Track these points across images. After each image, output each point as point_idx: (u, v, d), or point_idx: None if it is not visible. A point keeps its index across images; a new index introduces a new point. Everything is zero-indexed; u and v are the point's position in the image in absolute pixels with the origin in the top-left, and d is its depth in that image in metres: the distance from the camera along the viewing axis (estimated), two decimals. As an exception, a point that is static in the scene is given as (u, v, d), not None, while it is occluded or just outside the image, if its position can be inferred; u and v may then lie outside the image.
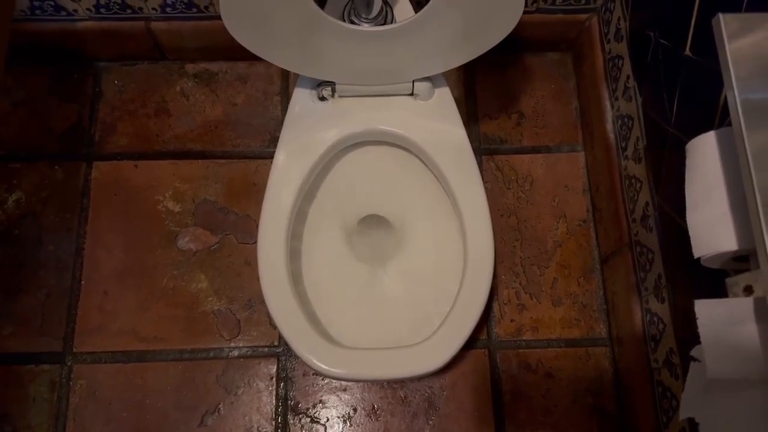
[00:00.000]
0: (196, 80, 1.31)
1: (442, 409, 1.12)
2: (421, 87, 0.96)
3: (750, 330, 0.49)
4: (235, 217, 1.22)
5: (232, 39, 1.07)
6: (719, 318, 0.50)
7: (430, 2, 0.80)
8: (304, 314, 0.86)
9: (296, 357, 1.14)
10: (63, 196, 1.22)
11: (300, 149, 0.95)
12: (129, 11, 1.17)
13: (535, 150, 1.29)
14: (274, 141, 1.27)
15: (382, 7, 0.94)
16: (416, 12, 0.88)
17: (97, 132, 1.27)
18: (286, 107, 1.28)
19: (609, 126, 1.17)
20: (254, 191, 1.24)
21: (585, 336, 1.17)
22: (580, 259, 1.22)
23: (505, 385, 1.14)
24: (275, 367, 1.14)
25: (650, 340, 1.01)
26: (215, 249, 1.20)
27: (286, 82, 1.32)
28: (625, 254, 1.10)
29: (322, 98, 0.98)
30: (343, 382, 1.14)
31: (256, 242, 1.20)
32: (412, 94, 0.97)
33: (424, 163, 1.00)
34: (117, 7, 1.16)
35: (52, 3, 1.14)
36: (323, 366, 0.83)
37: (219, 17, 1.17)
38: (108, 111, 1.28)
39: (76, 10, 1.17)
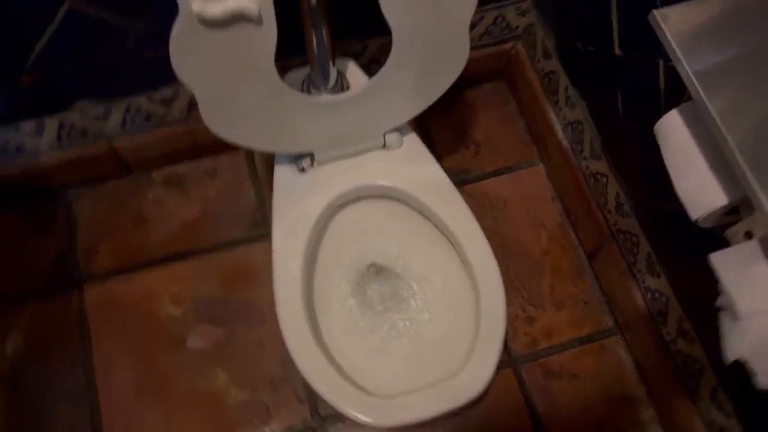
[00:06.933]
0: (166, 185, 1.34)
1: (484, 437, 1.14)
2: (390, 138, 1.02)
3: (765, 266, 0.55)
4: (237, 305, 1.24)
5: (193, 139, 1.14)
6: (735, 263, 0.56)
7: (381, 70, 0.88)
8: (343, 377, 0.89)
9: (330, 426, 1.15)
10: (61, 330, 1.20)
11: (294, 222, 0.99)
12: (89, 136, 1.20)
13: (497, 173, 1.37)
14: (255, 223, 1.30)
15: (337, 78, 1.01)
16: (366, 74, 0.96)
17: (80, 258, 1.27)
18: (259, 190, 1.34)
19: (560, 134, 1.27)
20: (248, 276, 1.26)
21: (594, 330, 1.23)
22: (569, 261, 1.29)
23: (536, 397, 1.17)
24: (313, 441, 1.14)
25: (657, 315, 1.08)
26: (225, 341, 1.21)
27: (252, 166, 1.36)
28: (609, 245, 1.18)
29: (302, 170, 1.03)
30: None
31: (263, 325, 1.22)
32: (384, 147, 1.04)
33: (411, 207, 1.06)
34: (78, 134, 1.19)
35: (15, 145, 1.16)
36: (380, 421, 0.86)
37: (177, 122, 1.22)
38: (86, 235, 1.29)
39: (37, 147, 1.19)
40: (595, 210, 1.20)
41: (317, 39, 0.90)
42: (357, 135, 1.00)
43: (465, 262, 0.98)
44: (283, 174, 1.03)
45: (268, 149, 0.96)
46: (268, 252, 1.26)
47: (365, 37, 1.19)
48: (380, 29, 0.83)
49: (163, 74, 1.12)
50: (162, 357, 1.19)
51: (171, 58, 0.74)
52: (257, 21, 0.74)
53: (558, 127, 1.27)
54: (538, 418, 1.16)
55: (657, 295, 1.06)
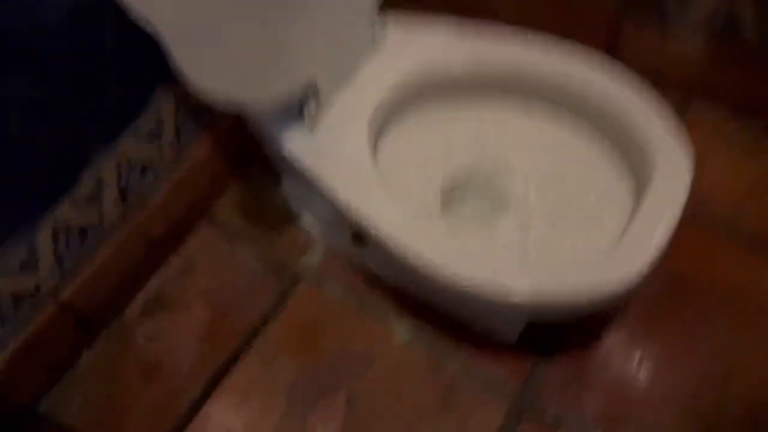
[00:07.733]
0: (148, 315, 1.01)
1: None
2: (378, 31, 0.84)
3: None
4: (329, 364, 0.93)
5: (145, 235, 0.95)
6: None
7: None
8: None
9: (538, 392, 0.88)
10: None
11: (349, 171, 0.76)
12: (25, 307, 0.86)
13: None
14: (273, 280, 1.02)
15: None
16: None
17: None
18: (250, 250, 1.05)
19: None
20: (313, 329, 0.97)
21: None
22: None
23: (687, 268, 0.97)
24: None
25: (726, 26, 0.95)
26: (350, 406, 0.90)
27: (226, 238, 1.07)
28: (624, 24, 1.06)
29: (312, 119, 0.79)
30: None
31: (373, 362, 0.92)
32: (376, 50, 0.84)
33: (445, 92, 0.86)
34: (11, 310, 0.84)
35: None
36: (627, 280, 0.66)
37: (119, 224, 0.93)
38: (95, 433, 0.92)
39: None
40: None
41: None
42: (343, 35, 0.80)
43: (569, 93, 0.81)
44: (299, 147, 0.80)
45: (268, 93, 0.72)
46: (312, 296, 1.01)
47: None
48: None
49: (77, 153, 0.85)
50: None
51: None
52: None
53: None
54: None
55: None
